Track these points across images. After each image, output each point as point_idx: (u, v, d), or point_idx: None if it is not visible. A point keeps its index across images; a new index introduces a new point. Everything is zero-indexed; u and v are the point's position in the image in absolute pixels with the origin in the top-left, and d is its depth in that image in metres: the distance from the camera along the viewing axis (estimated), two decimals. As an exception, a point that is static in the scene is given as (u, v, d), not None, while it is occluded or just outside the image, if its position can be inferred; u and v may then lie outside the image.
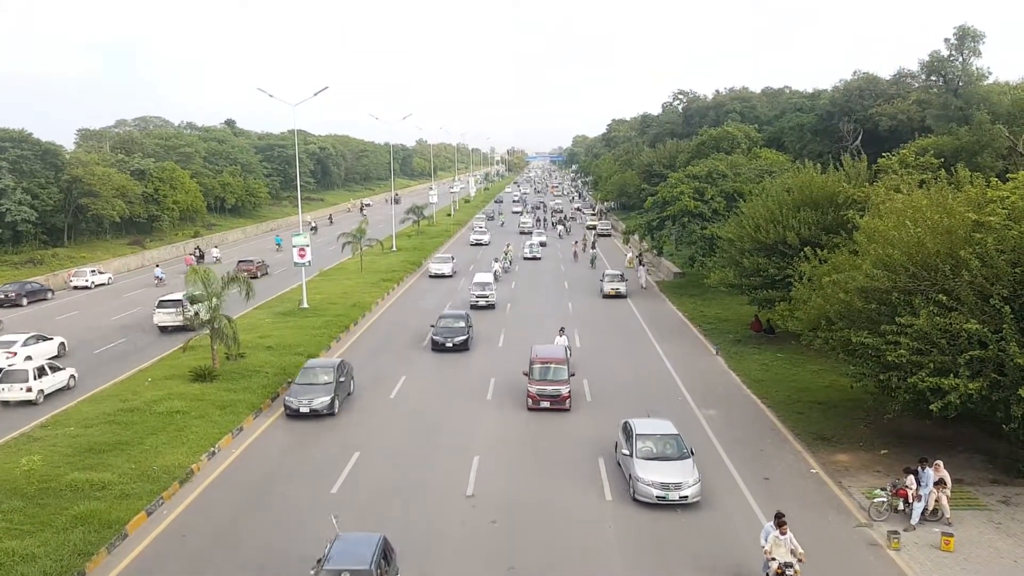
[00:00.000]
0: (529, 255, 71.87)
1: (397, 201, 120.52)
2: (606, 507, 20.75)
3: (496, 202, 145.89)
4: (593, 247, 75.07)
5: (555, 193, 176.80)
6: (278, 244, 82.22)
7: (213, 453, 24.31)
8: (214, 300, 31.80)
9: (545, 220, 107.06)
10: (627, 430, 22.97)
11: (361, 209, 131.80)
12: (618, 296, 51.21)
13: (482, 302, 47.62)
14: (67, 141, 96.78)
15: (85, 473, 21.90)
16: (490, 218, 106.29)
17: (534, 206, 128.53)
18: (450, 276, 60.82)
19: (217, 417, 27.01)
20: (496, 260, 61.94)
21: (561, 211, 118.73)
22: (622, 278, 53.05)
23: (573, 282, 59.05)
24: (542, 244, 77.92)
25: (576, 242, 77.22)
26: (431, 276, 61.10)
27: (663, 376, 33.23)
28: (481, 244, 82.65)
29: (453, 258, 65.24)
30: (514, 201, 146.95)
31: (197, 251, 73.95)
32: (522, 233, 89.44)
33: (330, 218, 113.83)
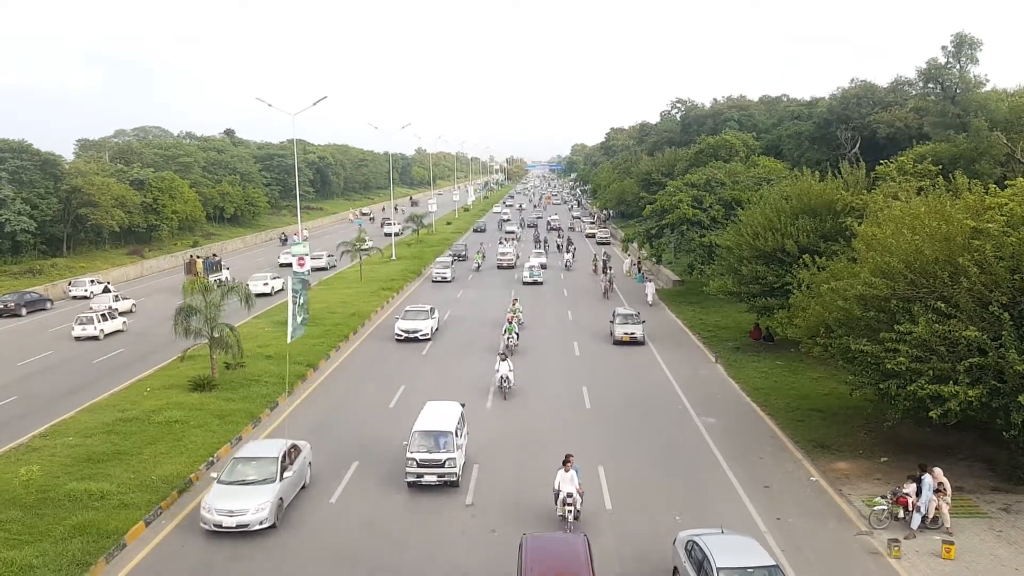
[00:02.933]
0: (529, 279, 62.00)
1: (415, 204, 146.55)
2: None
3: (476, 230, 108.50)
4: (606, 271, 60.91)
5: (553, 202, 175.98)
6: (359, 226, 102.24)
7: (212, 463, 24.24)
8: (212, 310, 31.75)
9: (545, 241, 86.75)
10: (697, 559, 15.88)
11: (400, 208, 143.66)
12: (634, 343, 40.44)
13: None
14: (67, 151, 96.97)
15: (84, 483, 21.83)
16: (459, 258, 75.99)
17: (531, 224, 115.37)
18: (450, 281, 62.85)
19: (216, 427, 26.97)
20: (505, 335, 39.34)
21: (559, 229, 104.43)
22: (638, 318, 41.74)
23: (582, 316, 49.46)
24: (543, 267, 67.50)
25: (602, 274, 60.24)
26: (434, 281, 62.76)
27: (662, 384, 33.21)
28: (446, 280, 62.90)
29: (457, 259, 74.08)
30: (504, 220, 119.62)
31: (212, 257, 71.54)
32: (501, 267, 71.79)
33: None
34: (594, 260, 69.67)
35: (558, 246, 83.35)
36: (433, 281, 62.27)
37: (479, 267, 70.28)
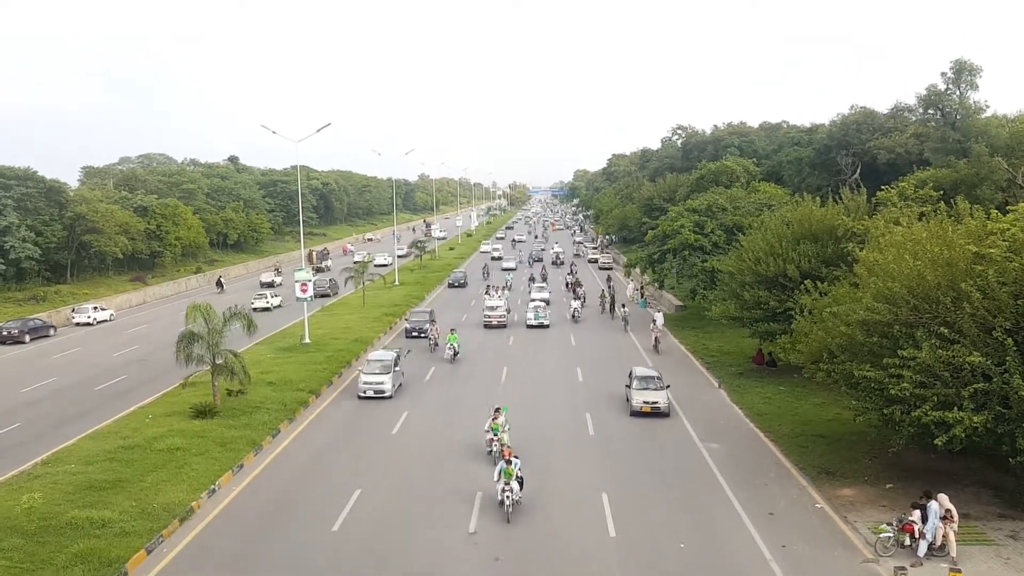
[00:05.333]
0: (534, 321, 52.68)
1: (429, 225, 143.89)
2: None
3: (453, 285, 77.75)
4: (612, 305, 57.89)
5: (556, 228, 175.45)
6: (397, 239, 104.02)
7: (213, 491, 24.14)
8: (215, 336, 31.74)
9: (546, 277, 77.72)
10: None
11: (427, 227, 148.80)
12: (656, 414, 31.66)
13: None
14: (71, 178, 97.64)
15: (85, 511, 21.73)
16: (420, 333, 49.28)
17: (534, 258, 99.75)
18: (389, 396, 35.22)
19: (217, 454, 26.88)
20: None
21: (564, 263, 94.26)
22: (660, 381, 32.85)
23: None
24: (546, 302, 58.75)
25: (652, 326, 47.24)
26: (361, 396, 34.87)
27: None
28: (382, 395, 35.02)
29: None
30: (494, 258, 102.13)
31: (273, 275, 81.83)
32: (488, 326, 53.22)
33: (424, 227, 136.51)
34: (601, 296, 61.62)
35: (567, 284, 71.50)
36: (360, 396, 34.49)
37: (455, 355, 42.10)
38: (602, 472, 25.78)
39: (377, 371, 35.38)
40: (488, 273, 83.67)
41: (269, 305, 63.70)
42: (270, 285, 76.28)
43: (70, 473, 25.09)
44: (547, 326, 52.68)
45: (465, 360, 42.87)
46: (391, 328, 53.96)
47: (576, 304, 57.21)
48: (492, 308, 53.81)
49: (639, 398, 31.81)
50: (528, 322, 53.14)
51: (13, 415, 33.59)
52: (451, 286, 76.90)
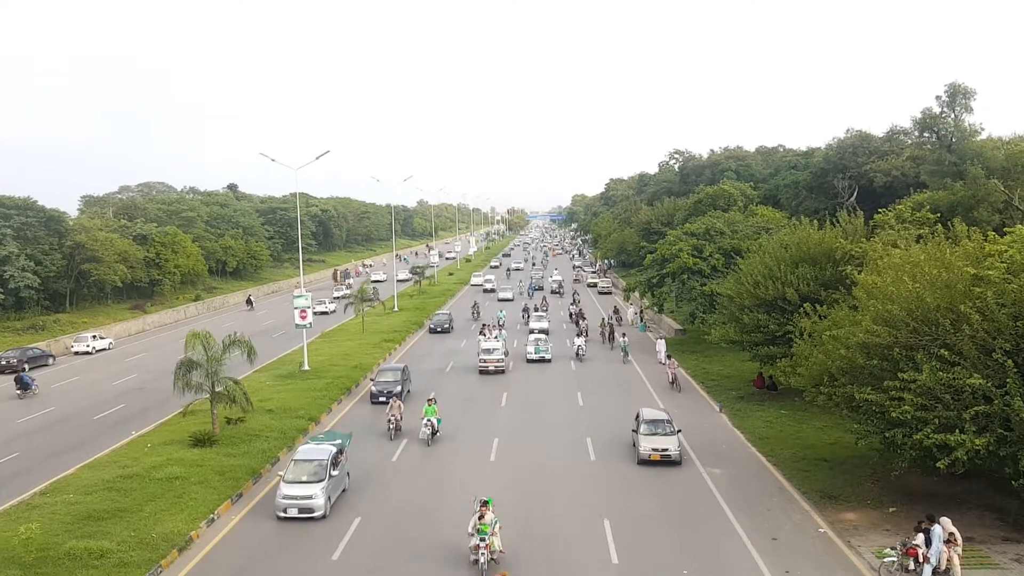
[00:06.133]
0: (535, 356, 49.40)
1: (430, 248, 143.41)
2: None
3: (434, 330, 64.56)
4: (611, 335, 55.37)
5: (556, 254, 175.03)
6: (406, 261, 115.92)
7: (212, 520, 23.98)
8: (214, 364, 31.67)
9: (547, 307, 73.34)
10: None
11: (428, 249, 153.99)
12: (667, 462, 28.74)
13: None
14: (71, 207, 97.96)
15: (83, 541, 21.57)
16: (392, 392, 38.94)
17: (534, 286, 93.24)
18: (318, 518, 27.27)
19: (216, 483, 26.73)
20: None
21: (562, 288, 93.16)
22: (670, 425, 29.79)
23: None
24: (546, 332, 55.89)
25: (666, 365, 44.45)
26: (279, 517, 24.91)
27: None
28: (311, 515, 24.24)
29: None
30: (487, 291, 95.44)
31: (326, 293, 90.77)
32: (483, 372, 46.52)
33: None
34: (602, 325, 58.60)
35: (571, 315, 67.59)
36: (279, 517, 24.06)
37: (433, 434, 32.13)
38: (603, 498, 25.64)
39: (305, 477, 24.42)
40: (478, 313, 72.82)
41: (327, 309, 78.50)
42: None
43: (68, 503, 24.94)
44: (548, 360, 49.31)
45: (447, 435, 32.92)
46: (390, 354, 53.83)
47: (580, 341, 51.75)
48: (489, 351, 46.99)
49: (647, 444, 28.91)
50: (528, 356, 49.80)
51: (11, 445, 33.47)
52: (433, 331, 64.31)
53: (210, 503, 24.94)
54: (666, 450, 28.67)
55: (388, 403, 34.93)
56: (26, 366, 51.40)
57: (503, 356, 47.33)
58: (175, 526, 22.97)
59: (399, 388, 38.95)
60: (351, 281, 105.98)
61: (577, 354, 50.65)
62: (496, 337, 51.23)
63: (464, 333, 63.34)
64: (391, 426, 32.81)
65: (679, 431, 29.89)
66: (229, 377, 32.20)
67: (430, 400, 33.35)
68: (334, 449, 25.60)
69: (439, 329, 64.14)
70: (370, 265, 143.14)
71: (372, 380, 41.36)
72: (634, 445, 29.95)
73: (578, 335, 54.15)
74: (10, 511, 24.60)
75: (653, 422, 29.91)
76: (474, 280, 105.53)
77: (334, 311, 78.47)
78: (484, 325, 59.65)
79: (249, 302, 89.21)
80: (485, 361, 46.59)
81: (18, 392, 43.57)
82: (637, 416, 30.83)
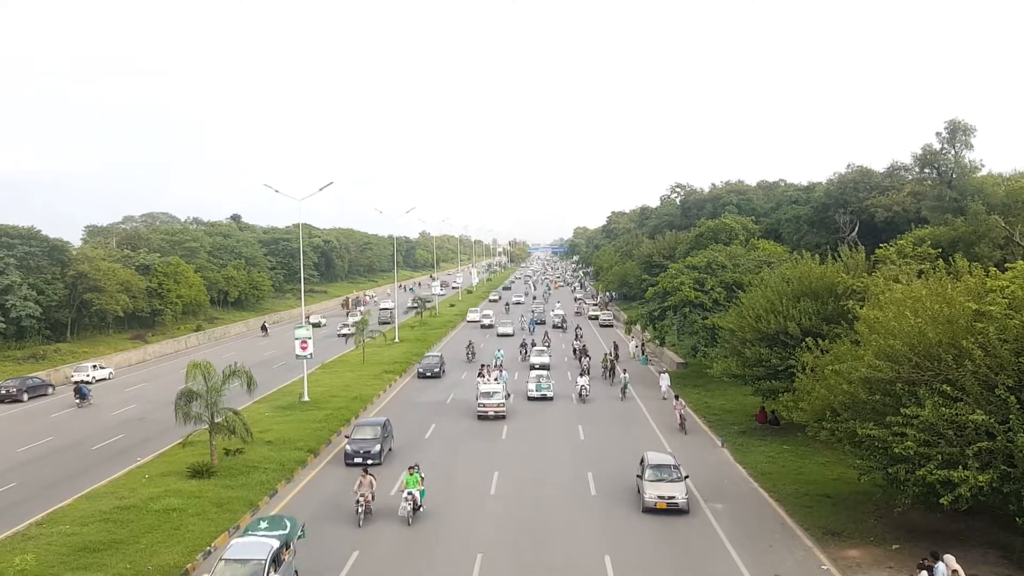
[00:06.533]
0: (536, 393, 47.72)
1: (433, 279, 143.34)
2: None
3: (424, 374, 57.93)
4: (612, 371, 54.52)
5: (558, 286, 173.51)
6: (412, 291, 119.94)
7: (209, 552, 23.76)
8: (213, 394, 31.58)
9: (549, 344, 69.36)
10: None
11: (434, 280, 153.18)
12: (674, 510, 26.95)
13: None
14: (75, 237, 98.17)
15: (79, 573, 21.41)
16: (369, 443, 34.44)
17: (535, 321, 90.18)
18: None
19: (214, 515, 26.54)
20: None
21: (565, 323, 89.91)
22: (677, 471, 28.02)
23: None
24: (545, 367, 55.28)
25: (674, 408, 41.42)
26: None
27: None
28: None
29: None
30: (484, 326, 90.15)
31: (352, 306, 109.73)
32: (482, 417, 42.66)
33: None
34: (604, 361, 56.67)
35: (575, 350, 64.85)
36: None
37: (415, 509, 26.71)
38: (604, 535, 25.37)
39: None
40: (473, 353, 66.05)
41: (351, 331, 77.03)
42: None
43: (64, 534, 24.74)
44: (551, 398, 47.44)
45: (432, 511, 27.33)
46: (391, 386, 53.63)
47: (583, 381, 48.77)
48: (488, 394, 43.09)
49: (653, 492, 27.12)
50: (529, 393, 47.90)
51: (9, 475, 33.27)
52: (422, 376, 57.62)
53: (207, 535, 24.74)
54: (673, 498, 26.92)
55: (368, 462, 31.61)
56: (89, 378, 56.66)
57: (504, 400, 43.61)
58: (171, 558, 22.78)
59: (378, 447, 33.49)
60: (362, 308, 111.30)
61: (580, 394, 48.01)
62: (496, 379, 47.30)
63: (457, 376, 57.58)
64: (360, 509, 26.11)
65: (686, 476, 28.06)
66: (229, 408, 32.13)
67: (411, 468, 27.51)
68: (276, 544, 19.97)
69: (428, 373, 57.30)
70: (373, 296, 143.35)
71: (347, 436, 35.30)
72: (638, 491, 28.20)
73: (581, 374, 51.35)
74: (5, 542, 24.39)
75: (659, 467, 28.09)
76: (471, 316, 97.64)
77: (353, 332, 79.47)
78: (483, 365, 53.42)
79: (264, 328, 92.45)
80: (484, 405, 42.52)
81: (77, 401, 49.09)
82: (642, 460, 29.12)
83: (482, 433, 39.66)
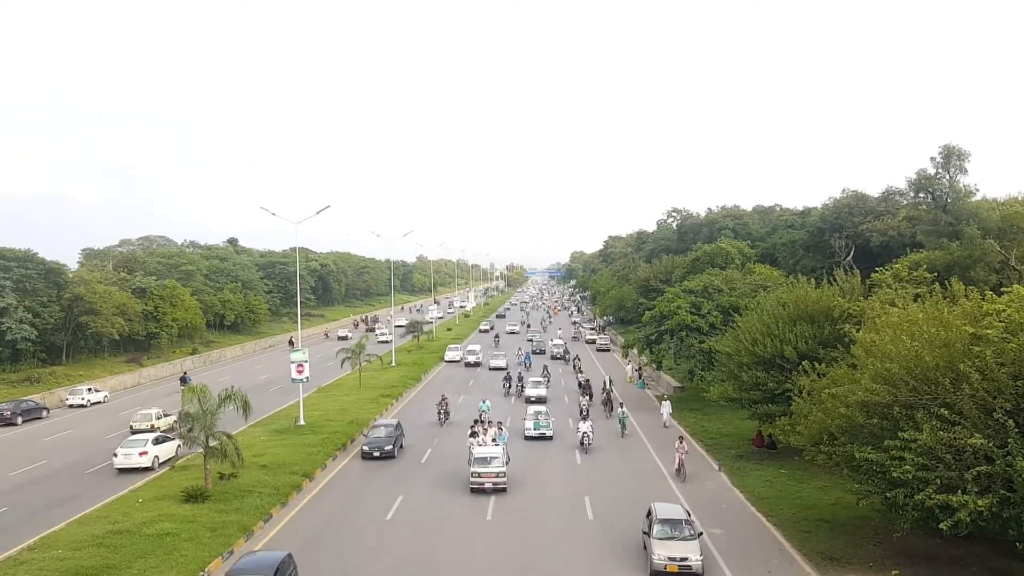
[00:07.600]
0: (534, 432, 43.08)
1: (436, 302, 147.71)
2: None
3: (370, 456, 38.51)
4: (609, 402, 51.67)
5: (556, 312, 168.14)
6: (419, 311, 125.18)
7: (203, 578, 23.52)
8: (208, 418, 31.42)
9: (548, 376, 63.73)
10: None
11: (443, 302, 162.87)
12: (687, 574, 22.95)
13: None
14: (72, 260, 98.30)
15: (70, 599, 21.12)
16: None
17: (535, 350, 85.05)
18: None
19: (207, 539, 26.29)
20: None
21: (566, 355, 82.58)
22: (690, 527, 24.43)
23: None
24: (542, 401, 52.80)
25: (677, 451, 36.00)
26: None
27: (665, 492, 32.50)
28: None
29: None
30: (469, 364, 78.07)
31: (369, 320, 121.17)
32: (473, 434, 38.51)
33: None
34: (604, 390, 54.59)
35: (579, 384, 58.20)
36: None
37: None
38: (601, 553, 25.17)
39: None
40: (446, 415, 48.84)
41: (388, 339, 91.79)
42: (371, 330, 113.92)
43: (57, 559, 24.48)
44: (550, 437, 42.92)
45: None
46: (388, 409, 53.38)
47: (586, 427, 41.32)
48: (484, 460, 33.15)
49: (663, 552, 23.16)
50: (526, 432, 43.19)
51: (1, 499, 32.99)
52: (367, 457, 39.01)
53: (201, 560, 24.50)
54: (685, 560, 22.86)
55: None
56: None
57: (503, 467, 33.18)
58: (164, 584, 22.51)
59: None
60: (379, 325, 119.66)
61: (583, 443, 40.74)
62: (494, 439, 37.92)
63: (419, 452, 40.59)
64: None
65: (700, 534, 24.44)
66: (223, 432, 31.95)
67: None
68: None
69: (376, 453, 38.94)
70: (390, 315, 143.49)
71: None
72: (645, 549, 24.67)
73: (583, 418, 44.03)
74: (-4, 567, 24.14)
75: (669, 522, 24.34)
76: (449, 355, 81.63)
77: (390, 339, 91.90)
78: (476, 421, 41.08)
79: (292, 343, 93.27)
80: (480, 475, 32.64)
81: (182, 390, 47.21)
82: (648, 513, 25.55)
83: (461, 511, 30.54)
